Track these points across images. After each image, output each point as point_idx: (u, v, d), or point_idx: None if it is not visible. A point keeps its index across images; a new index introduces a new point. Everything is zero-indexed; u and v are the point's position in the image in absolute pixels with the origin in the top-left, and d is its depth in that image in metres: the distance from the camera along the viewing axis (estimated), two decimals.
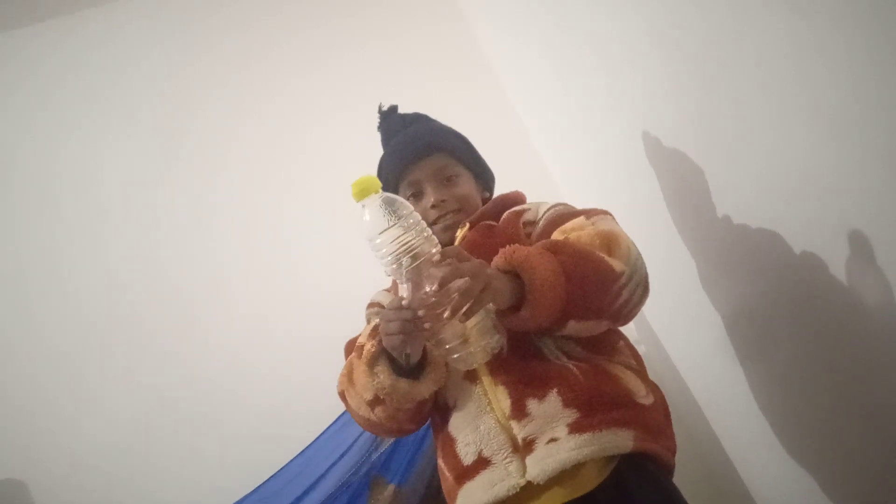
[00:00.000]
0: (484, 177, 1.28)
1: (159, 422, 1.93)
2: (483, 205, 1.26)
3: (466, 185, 1.22)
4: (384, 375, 0.98)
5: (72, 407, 1.94)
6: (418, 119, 1.30)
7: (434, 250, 0.90)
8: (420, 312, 0.89)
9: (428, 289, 0.87)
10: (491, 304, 0.92)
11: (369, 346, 1.00)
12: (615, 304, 0.96)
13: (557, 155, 2.03)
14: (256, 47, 2.27)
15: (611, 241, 1.00)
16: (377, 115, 1.31)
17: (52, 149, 2.14)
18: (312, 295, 2.02)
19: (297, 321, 2.00)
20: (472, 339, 0.91)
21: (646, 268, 1.01)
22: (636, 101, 1.27)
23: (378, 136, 1.32)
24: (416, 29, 2.30)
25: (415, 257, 0.88)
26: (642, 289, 1.00)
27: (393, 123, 1.28)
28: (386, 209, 0.90)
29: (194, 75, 2.24)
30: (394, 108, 1.31)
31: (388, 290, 1.21)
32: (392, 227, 0.88)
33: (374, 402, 1.01)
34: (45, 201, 2.11)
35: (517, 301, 0.91)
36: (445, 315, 0.85)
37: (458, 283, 0.84)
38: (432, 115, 1.33)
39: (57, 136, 2.15)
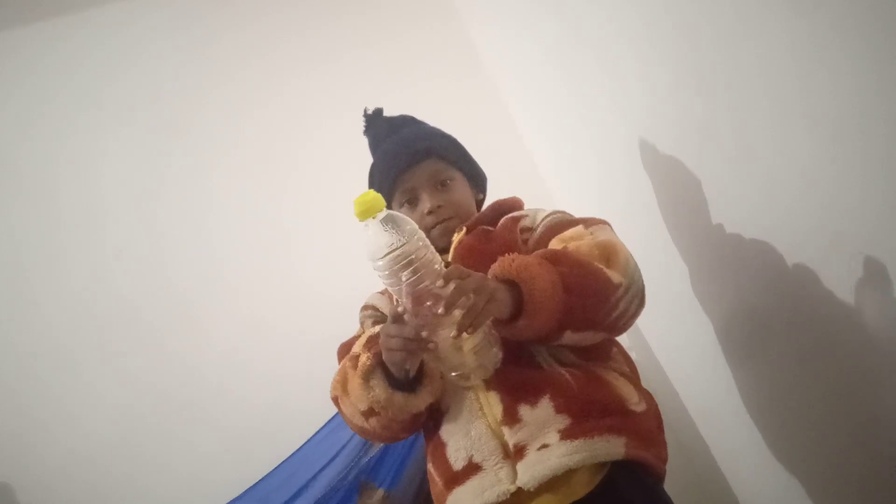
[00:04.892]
0: (476, 178, 1.28)
1: (152, 417, 1.92)
2: (478, 206, 1.26)
3: (461, 189, 1.22)
4: (380, 389, 0.98)
5: (65, 401, 1.92)
6: (406, 122, 1.29)
7: (437, 267, 0.89)
8: (423, 334, 0.89)
9: (430, 304, 0.87)
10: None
11: (365, 359, 0.99)
12: (611, 315, 0.96)
13: (553, 158, 2.03)
14: (253, 47, 2.25)
15: (609, 253, 1.00)
16: (362, 118, 1.30)
17: (50, 145, 2.12)
18: (310, 293, 2.02)
19: (294, 319, 1.99)
20: (472, 356, 0.92)
21: (643, 279, 1.01)
22: (635, 104, 1.27)
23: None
24: (410, 26, 2.29)
25: (418, 277, 0.87)
26: (639, 300, 1.00)
27: (380, 128, 1.27)
28: (390, 228, 0.88)
29: (193, 74, 2.22)
30: (379, 112, 1.30)
31: (382, 293, 1.20)
32: (396, 245, 0.87)
33: (369, 412, 1.00)
34: (43, 197, 2.10)
35: (514, 311, 0.91)
36: (452, 334, 0.85)
37: (462, 301, 0.84)
38: (425, 116, 1.33)
39: (55, 133, 2.13)
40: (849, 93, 0.71)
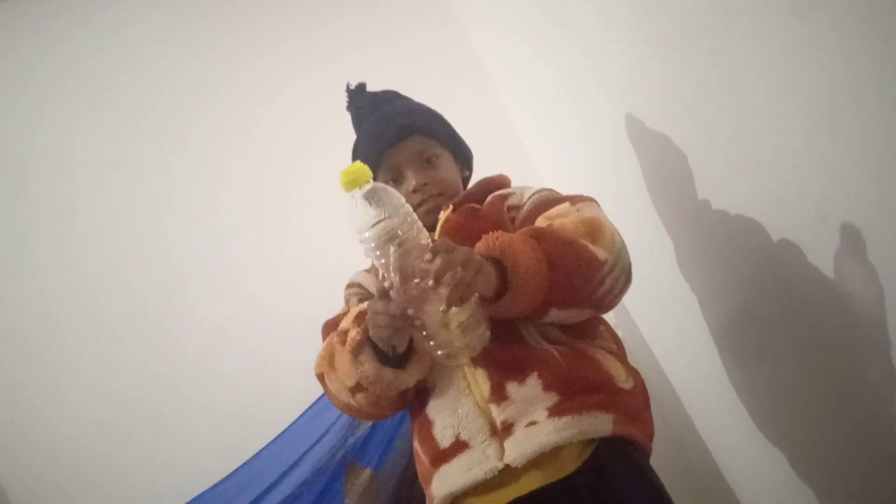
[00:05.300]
0: (463, 155, 1.26)
1: (140, 400, 1.90)
2: (464, 183, 1.25)
3: (447, 167, 1.20)
4: (369, 364, 0.97)
5: (50, 383, 1.91)
6: (390, 98, 1.26)
7: (424, 242, 0.88)
8: (410, 311, 0.88)
9: (417, 281, 0.85)
10: (476, 296, 0.91)
11: (354, 334, 0.98)
12: (598, 292, 0.96)
13: (543, 141, 2.03)
14: (253, 47, 2.22)
15: (595, 229, 0.99)
16: (345, 93, 1.27)
17: (50, 139, 2.09)
18: (301, 276, 2.00)
19: (286, 302, 1.98)
20: (459, 334, 0.91)
21: (629, 256, 1.01)
22: (625, 88, 1.26)
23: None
24: (397, 7, 2.27)
25: (405, 250, 0.86)
26: (625, 277, 0.99)
27: (364, 104, 1.24)
28: (376, 200, 0.87)
29: (192, 74, 2.19)
30: (362, 87, 1.27)
31: (367, 271, 1.19)
32: (382, 218, 0.86)
33: (357, 388, 0.99)
34: (36, 182, 2.06)
35: (499, 288, 0.90)
36: (442, 308, 0.84)
37: (449, 276, 0.83)
38: (409, 94, 1.30)
39: (55, 129, 2.10)
40: (842, 73, 0.70)
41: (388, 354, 0.96)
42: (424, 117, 1.22)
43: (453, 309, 0.87)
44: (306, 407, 1.74)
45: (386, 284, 0.91)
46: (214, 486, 1.70)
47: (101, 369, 1.93)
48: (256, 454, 1.74)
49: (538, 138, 2.05)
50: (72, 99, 2.12)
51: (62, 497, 1.84)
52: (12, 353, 1.92)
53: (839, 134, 0.74)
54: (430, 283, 0.83)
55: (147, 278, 2.02)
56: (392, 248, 0.86)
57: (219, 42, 2.20)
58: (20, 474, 1.84)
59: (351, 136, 1.27)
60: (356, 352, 0.97)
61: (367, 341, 0.97)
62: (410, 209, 0.90)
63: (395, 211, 0.87)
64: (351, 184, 0.87)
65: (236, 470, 1.73)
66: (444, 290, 0.84)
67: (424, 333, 0.91)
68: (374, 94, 1.26)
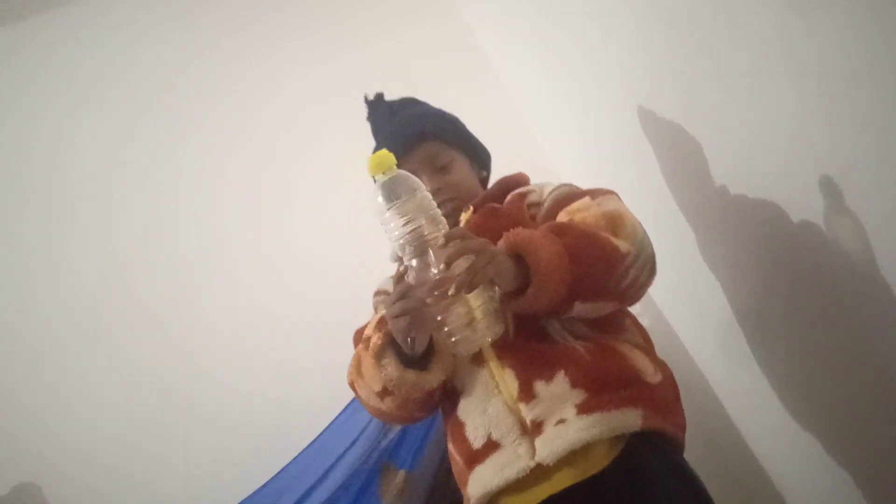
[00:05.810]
0: (479, 157, 1.27)
1: (163, 415, 1.92)
2: (483, 184, 1.26)
3: (461, 171, 1.22)
4: (391, 367, 0.98)
5: (71, 403, 1.92)
6: (406, 105, 1.29)
7: (441, 231, 0.90)
8: (424, 291, 0.89)
9: (434, 269, 0.87)
10: (496, 289, 0.92)
11: (376, 339, 1.00)
12: (621, 284, 0.96)
13: (555, 137, 2.02)
14: (253, 47, 2.22)
15: (616, 222, 0.99)
16: (364, 104, 1.30)
17: (51, 144, 2.12)
18: (318, 281, 2.01)
19: (301, 308, 1.99)
20: (472, 322, 0.92)
21: (652, 247, 1.01)
22: (615, 70, 1.26)
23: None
24: (397, 5, 2.27)
25: (421, 237, 0.89)
26: (649, 268, 0.99)
27: (380, 113, 1.27)
28: (397, 185, 0.91)
29: (192, 75, 2.20)
30: (380, 97, 1.30)
31: (393, 278, 1.20)
32: (400, 205, 0.89)
33: (384, 392, 1.01)
34: (44, 190, 2.09)
35: (522, 284, 0.91)
36: (451, 291, 0.85)
37: (462, 261, 0.84)
38: (418, 96, 1.32)
39: (56, 133, 2.12)
40: (832, 40, 0.69)
41: (410, 356, 0.98)
42: (436, 123, 1.24)
43: (466, 296, 0.89)
44: (321, 414, 1.75)
45: (401, 269, 0.92)
46: (252, 495, 1.72)
47: (107, 376, 1.94)
48: (293, 460, 1.75)
49: (550, 134, 2.05)
50: (72, 99, 2.14)
51: None
52: (13, 360, 1.94)
53: (832, 103, 0.73)
54: (442, 267, 0.85)
55: (153, 284, 2.03)
56: (408, 231, 0.89)
57: (219, 42, 2.21)
58: (33, 491, 1.85)
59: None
60: (379, 356, 1.00)
61: (389, 345, 1.00)
62: (430, 196, 0.93)
63: (413, 196, 0.90)
64: (375, 168, 0.93)
65: (274, 477, 1.74)
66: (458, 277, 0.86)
67: (439, 318, 0.93)
68: (391, 103, 1.29)
